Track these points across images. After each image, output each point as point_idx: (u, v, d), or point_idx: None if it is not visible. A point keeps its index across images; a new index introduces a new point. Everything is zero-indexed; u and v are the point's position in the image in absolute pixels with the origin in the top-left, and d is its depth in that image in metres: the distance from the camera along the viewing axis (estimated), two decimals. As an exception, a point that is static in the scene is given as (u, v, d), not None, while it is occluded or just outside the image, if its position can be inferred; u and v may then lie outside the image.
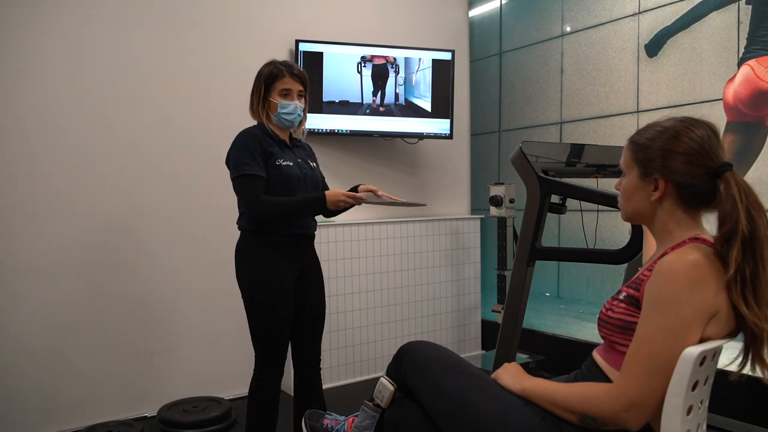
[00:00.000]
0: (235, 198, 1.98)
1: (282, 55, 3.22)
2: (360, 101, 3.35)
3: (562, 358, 3.31)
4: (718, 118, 2.62)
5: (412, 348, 1.44)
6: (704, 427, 1.25)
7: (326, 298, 2.18)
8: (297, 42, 3.18)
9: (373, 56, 3.36)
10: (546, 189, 2.18)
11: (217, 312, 3.00)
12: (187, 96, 2.93)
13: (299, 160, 2.05)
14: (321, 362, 2.19)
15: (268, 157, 1.95)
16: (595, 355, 1.30)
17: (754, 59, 2.55)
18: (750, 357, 1.16)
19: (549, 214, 2.27)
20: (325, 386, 2.21)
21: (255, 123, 2.07)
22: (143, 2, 2.81)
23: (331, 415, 1.65)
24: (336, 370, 3.24)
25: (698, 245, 1.16)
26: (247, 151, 1.92)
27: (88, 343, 2.69)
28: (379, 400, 1.43)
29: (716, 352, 1.19)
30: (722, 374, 1.25)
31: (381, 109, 3.41)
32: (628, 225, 2.05)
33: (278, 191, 1.96)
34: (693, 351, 1.08)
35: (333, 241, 3.22)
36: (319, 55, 3.23)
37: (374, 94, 3.39)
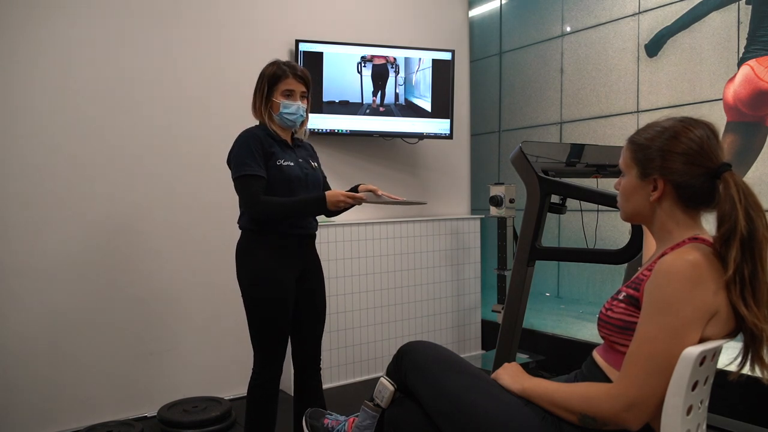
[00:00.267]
0: (236, 197, 1.98)
1: (282, 55, 3.22)
2: (360, 101, 3.35)
3: (562, 358, 3.31)
4: (718, 118, 2.62)
5: (412, 348, 1.44)
6: (704, 427, 1.25)
7: (327, 298, 2.18)
8: (297, 42, 3.18)
9: (373, 56, 3.36)
10: (546, 189, 2.18)
11: (217, 312, 3.00)
12: (187, 96, 2.93)
13: (300, 160, 2.06)
14: (321, 362, 2.19)
15: (269, 157, 1.95)
16: (595, 355, 1.30)
17: (754, 59, 2.55)
18: (749, 357, 1.16)
19: (549, 214, 2.27)
20: (325, 386, 2.21)
21: (256, 123, 2.07)
22: (143, 2, 2.81)
23: (332, 414, 1.65)
24: (336, 370, 3.24)
25: (697, 245, 1.16)
26: (248, 152, 1.92)
27: (89, 343, 2.69)
28: (379, 400, 1.43)
29: (716, 352, 1.19)
30: (722, 374, 1.25)
31: (381, 109, 3.41)
32: (628, 225, 2.05)
33: (279, 191, 1.96)
34: (693, 351, 1.08)
35: (333, 241, 3.22)
36: (319, 55, 3.23)
37: (374, 94, 3.39)
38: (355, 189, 2.14)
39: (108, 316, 2.74)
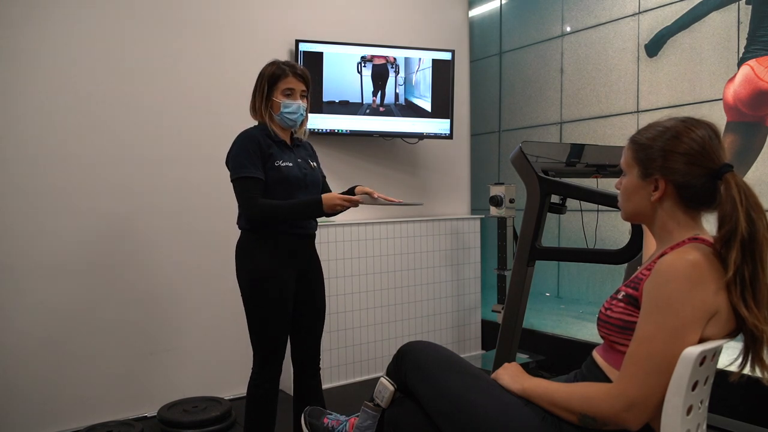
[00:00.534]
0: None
1: (282, 55, 3.22)
2: (360, 101, 3.35)
3: (562, 358, 3.31)
4: (718, 118, 2.62)
5: (412, 348, 1.44)
6: (704, 427, 1.25)
7: (327, 298, 2.18)
8: (297, 42, 3.18)
9: (373, 56, 3.36)
10: (546, 189, 2.18)
11: (217, 312, 3.00)
12: (187, 96, 2.93)
13: (299, 160, 2.06)
14: (321, 362, 2.19)
15: (267, 158, 1.95)
16: (595, 354, 1.30)
17: (754, 59, 2.55)
18: (750, 358, 1.16)
19: (549, 214, 2.27)
20: (325, 386, 2.21)
21: (255, 123, 2.07)
22: (143, 3, 2.81)
23: (332, 414, 1.65)
24: (336, 370, 3.24)
25: (698, 245, 1.16)
26: (246, 153, 1.93)
27: (89, 342, 2.69)
28: (379, 400, 1.43)
29: (716, 352, 1.19)
30: (722, 374, 1.25)
31: (381, 109, 3.41)
32: (628, 225, 2.05)
33: (278, 192, 1.96)
34: (693, 351, 1.08)
35: (333, 241, 3.22)
36: (319, 55, 3.23)
37: (374, 94, 3.39)
38: (351, 190, 2.14)
39: (108, 315, 2.74)
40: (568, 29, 3.35)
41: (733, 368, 1.18)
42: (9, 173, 2.53)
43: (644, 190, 1.24)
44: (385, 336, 3.43)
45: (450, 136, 3.59)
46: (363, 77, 3.35)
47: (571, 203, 2.34)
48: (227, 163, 2.00)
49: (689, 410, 1.13)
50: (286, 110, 2.00)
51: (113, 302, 2.75)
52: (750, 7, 2.56)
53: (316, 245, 2.17)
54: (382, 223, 3.42)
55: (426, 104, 3.51)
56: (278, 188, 1.96)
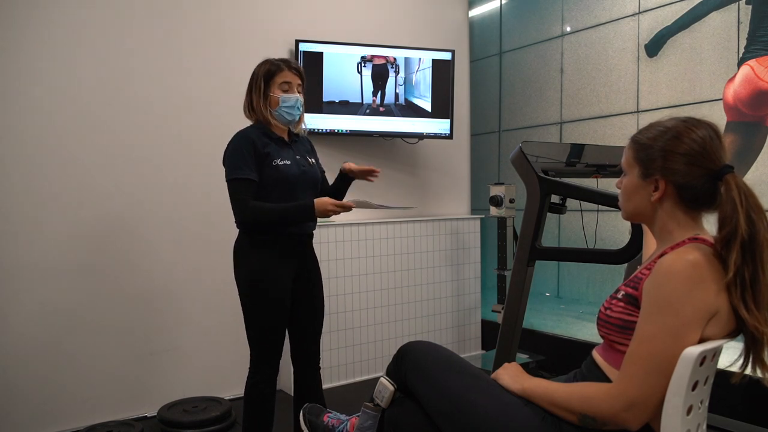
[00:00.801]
0: (236, 198, 1.98)
1: (282, 55, 3.20)
2: (360, 101, 3.35)
3: (562, 358, 3.31)
4: (718, 118, 2.62)
5: (412, 348, 1.44)
6: (704, 427, 1.25)
7: (327, 298, 2.18)
8: (297, 42, 3.18)
9: (373, 56, 3.36)
10: (546, 189, 2.18)
11: (217, 312, 3.00)
12: (187, 96, 2.93)
13: (298, 157, 2.05)
14: (321, 361, 2.19)
15: (264, 158, 1.95)
16: (595, 354, 1.30)
17: (754, 59, 2.55)
18: (750, 359, 1.16)
19: (549, 214, 2.27)
20: (325, 386, 2.21)
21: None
22: (143, 3, 2.81)
23: (333, 412, 1.64)
24: (336, 370, 3.24)
25: (698, 245, 1.16)
26: (240, 155, 1.93)
27: (89, 343, 2.69)
28: (379, 400, 1.43)
29: (716, 352, 1.19)
30: (722, 374, 1.25)
31: (381, 109, 3.41)
32: (628, 225, 2.05)
33: (277, 190, 1.96)
34: (693, 351, 1.08)
35: (333, 241, 3.22)
36: (319, 55, 3.23)
37: (374, 94, 3.39)
38: (341, 173, 2.17)
39: (108, 316, 2.74)
40: (568, 29, 3.35)
41: (734, 369, 1.18)
42: (8, 174, 2.53)
43: (644, 190, 1.24)
44: (385, 336, 3.43)
45: (450, 136, 3.59)
46: (363, 77, 3.35)
47: (571, 203, 2.34)
48: (223, 163, 2.00)
49: (689, 410, 1.13)
50: (285, 105, 2.00)
51: (113, 302, 2.75)
52: (750, 7, 2.56)
53: (317, 245, 2.17)
54: (382, 223, 3.42)
55: (426, 104, 3.51)
56: (277, 187, 1.96)
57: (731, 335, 1.17)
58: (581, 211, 2.82)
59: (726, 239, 1.12)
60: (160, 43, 2.86)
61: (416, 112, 3.49)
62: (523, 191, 2.30)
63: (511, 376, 1.35)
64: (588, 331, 3.24)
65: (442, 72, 3.52)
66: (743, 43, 2.58)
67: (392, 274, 3.46)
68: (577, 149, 2.43)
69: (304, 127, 2.14)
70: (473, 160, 4.03)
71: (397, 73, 3.43)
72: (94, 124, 2.71)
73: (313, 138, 3.31)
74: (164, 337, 2.89)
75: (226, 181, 1.95)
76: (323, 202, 1.92)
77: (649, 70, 2.96)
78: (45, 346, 2.59)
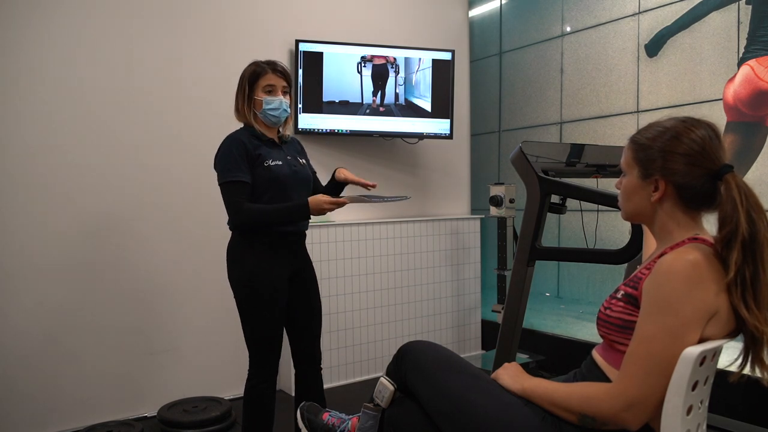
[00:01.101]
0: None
1: (282, 55, 3.22)
2: (360, 101, 3.35)
3: (562, 358, 3.31)
4: (718, 118, 2.62)
5: (412, 348, 1.44)
6: (704, 427, 1.25)
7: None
8: (297, 42, 3.18)
9: (373, 56, 3.36)
10: (546, 189, 2.18)
11: (217, 312, 3.00)
12: (187, 96, 2.93)
13: (289, 157, 2.06)
14: (322, 361, 2.19)
15: (256, 159, 1.96)
16: (595, 354, 1.30)
17: (754, 59, 2.55)
18: (750, 359, 1.16)
19: (549, 214, 2.27)
20: (325, 386, 2.21)
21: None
22: (143, 2, 2.81)
23: (333, 411, 1.64)
24: (336, 370, 3.24)
25: (698, 245, 1.16)
26: (231, 157, 1.93)
27: (89, 343, 2.69)
28: (379, 400, 1.43)
29: (716, 352, 1.19)
30: (722, 374, 1.25)
31: (381, 109, 3.41)
32: (628, 225, 2.05)
33: (270, 191, 1.97)
34: (693, 351, 1.08)
35: (333, 241, 3.22)
36: (319, 55, 3.23)
37: (374, 94, 3.39)
38: (333, 176, 2.16)
39: (108, 316, 2.74)
40: (568, 29, 3.35)
41: (733, 368, 1.18)
42: (8, 173, 2.53)
43: (644, 190, 1.24)
44: (385, 336, 3.43)
45: (450, 136, 3.59)
46: (363, 77, 3.35)
47: (571, 203, 2.34)
48: (215, 166, 2.01)
49: (689, 410, 1.13)
50: (269, 107, 2.01)
51: (113, 302, 2.75)
52: (750, 7, 2.56)
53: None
54: (382, 223, 3.42)
55: (426, 104, 3.51)
56: (270, 188, 1.97)
57: (731, 335, 1.17)
58: (581, 211, 2.82)
59: (726, 239, 1.12)
60: (160, 43, 2.86)
61: (416, 112, 3.49)
62: (523, 191, 2.30)
63: (511, 376, 1.35)
64: (588, 331, 3.24)
65: (442, 72, 3.52)
66: (743, 43, 2.58)
67: (392, 274, 3.46)
68: (577, 149, 2.43)
69: (288, 133, 2.14)
70: (473, 160, 4.03)
71: (397, 73, 3.43)
72: (94, 123, 2.71)
73: (312, 138, 3.33)
74: (164, 337, 2.89)
75: (219, 184, 1.96)
76: (318, 200, 1.93)
77: (649, 70, 2.96)
78: (45, 345, 2.59)
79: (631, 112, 3.05)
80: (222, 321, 3.00)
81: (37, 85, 2.58)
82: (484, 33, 3.90)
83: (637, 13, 3.00)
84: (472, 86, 4.01)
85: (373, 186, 2.04)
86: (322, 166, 3.36)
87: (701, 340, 1.12)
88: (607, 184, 2.34)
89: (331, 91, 3.28)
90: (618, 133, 3.09)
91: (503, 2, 3.76)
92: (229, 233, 2.07)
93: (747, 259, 1.11)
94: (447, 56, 3.53)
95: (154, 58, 2.84)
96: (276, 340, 2.01)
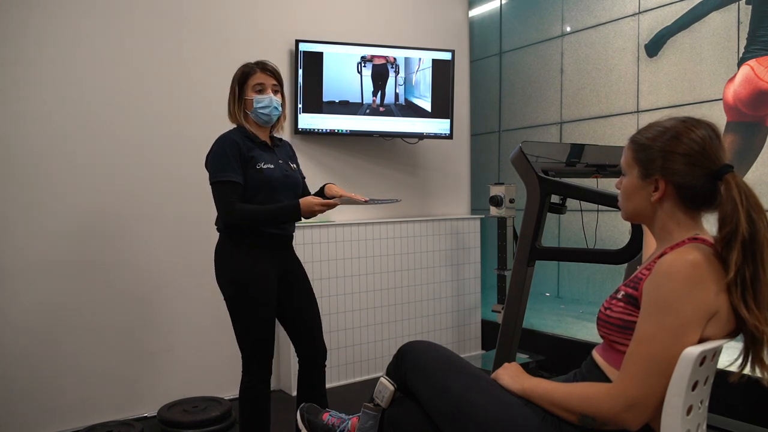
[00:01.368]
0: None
1: (282, 55, 3.22)
2: (360, 101, 3.35)
3: (562, 358, 3.31)
4: (718, 118, 2.62)
5: (412, 348, 1.44)
6: (704, 427, 1.25)
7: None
8: (297, 42, 3.18)
9: (373, 56, 3.36)
10: (546, 189, 2.18)
11: (217, 312, 2.99)
12: (186, 96, 2.93)
13: (281, 161, 2.07)
14: (326, 359, 2.19)
15: (248, 161, 1.97)
16: (595, 354, 1.30)
17: (754, 59, 2.55)
18: (750, 359, 1.16)
19: (549, 214, 2.27)
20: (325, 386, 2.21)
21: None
22: (143, 2, 2.81)
23: (333, 411, 1.64)
24: (336, 370, 3.24)
25: (698, 245, 1.16)
26: (224, 157, 1.94)
27: (88, 343, 2.69)
28: (379, 400, 1.43)
29: (716, 352, 1.19)
30: (722, 374, 1.25)
31: (381, 109, 3.41)
32: (628, 225, 2.05)
33: (261, 194, 1.98)
34: (693, 351, 1.08)
35: (333, 241, 3.22)
36: (319, 55, 3.23)
37: (374, 94, 3.39)
38: (321, 189, 2.17)
39: (108, 316, 2.74)
40: (568, 29, 3.35)
41: (733, 368, 1.18)
42: (7, 174, 2.53)
43: (644, 190, 1.24)
44: (385, 336, 3.43)
45: (450, 136, 3.59)
46: (363, 77, 3.35)
47: (571, 203, 2.34)
48: (206, 165, 2.01)
49: (689, 410, 1.13)
50: (259, 105, 2.02)
51: (114, 302, 2.75)
52: (750, 7, 2.56)
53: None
54: (382, 223, 3.42)
55: (426, 104, 3.51)
56: (261, 190, 1.98)
57: (731, 335, 1.17)
58: (581, 211, 2.82)
59: (726, 238, 1.12)
60: (160, 44, 2.86)
61: (416, 112, 3.49)
62: (523, 191, 2.30)
63: (511, 376, 1.35)
64: (588, 331, 3.24)
65: (442, 72, 3.52)
66: (743, 43, 2.58)
67: (392, 274, 3.46)
68: (577, 149, 2.43)
69: (280, 135, 2.16)
70: (473, 160, 4.03)
71: (397, 73, 3.43)
72: (94, 124, 2.71)
73: (312, 138, 3.33)
74: (164, 337, 2.89)
75: (210, 183, 1.96)
76: (309, 201, 1.93)
77: (649, 70, 2.96)
78: (45, 346, 2.59)
79: (631, 112, 3.05)
80: (222, 321, 2.98)
81: (37, 85, 2.58)
82: (484, 33, 3.90)
83: (637, 13, 3.00)
84: (472, 86, 4.01)
85: (365, 202, 2.04)
86: (322, 166, 3.37)
87: (701, 340, 1.12)
88: (607, 184, 2.34)
89: (331, 91, 3.28)
90: (618, 133, 3.09)
91: (503, 2, 3.76)
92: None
93: (747, 259, 1.11)
94: (447, 56, 3.53)
95: (154, 58, 2.84)
96: (267, 340, 2.01)
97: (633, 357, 1.13)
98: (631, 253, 2.03)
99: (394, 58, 3.42)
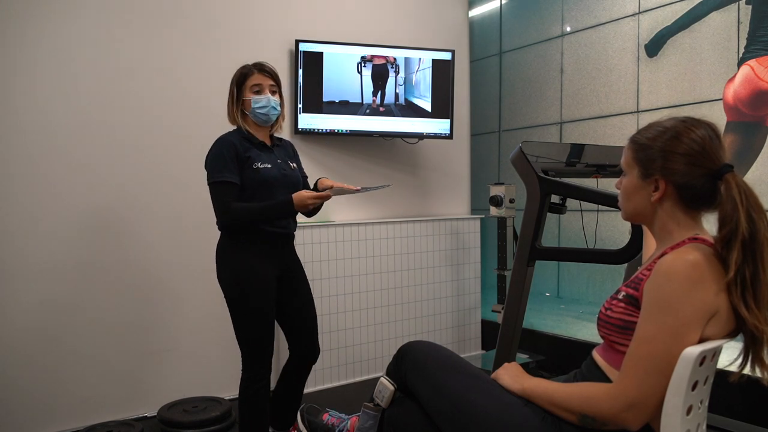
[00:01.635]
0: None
1: (282, 55, 3.22)
2: (360, 101, 3.35)
3: (562, 358, 3.31)
4: (718, 118, 2.62)
5: (412, 348, 1.44)
6: (704, 427, 1.25)
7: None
8: (297, 42, 3.18)
9: (373, 56, 3.36)
10: (546, 189, 2.18)
11: (217, 311, 2.99)
12: (186, 95, 2.93)
13: (279, 161, 2.09)
14: (319, 361, 2.22)
15: (245, 161, 1.99)
16: (595, 354, 1.30)
17: (754, 59, 2.55)
18: (750, 358, 1.16)
19: (549, 214, 2.27)
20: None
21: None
22: (142, 3, 2.81)
23: (332, 411, 1.65)
24: (336, 370, 3.24)
25: (698, 245, 1.16)
26: (221, 159, 1.97)
27: (88, 343, 2.69)
28: (379, 400, 1.43)
29: (716, 352, 1.19)
30: (722, 374, 1.25)
31: (381, 109, 3.40)
32: (628, 225, 2.05)
33: (258, 193, 2.00)
34: (693, 351, 1.08)
35: (333, 241, 3.22)
36: (319, 55, 3.23)
37: (374, 94, 3.39)
38: (315, 184, 2.19)
39: (108, 315, 2.74)
40: (568, 29, 3.35)
41: (733, 368, 1.18)
42: (8, 173, 2.53)
43: (644, 190, 1.24)
44: (385, 336, 3.43)
45: (450, 136, 3.59)
46: (363, 77, 3.35)
47: (571, 203, 2.34)
48: (205, 167, 2.04)
49: (689, 410, 1.13)
50: (256, 105, 2.04)
51: (113, 302, 2.75)
52: (750, 7, 2.56)
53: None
54: (382, 223, 3.42)
55: (426, 104, 3.51)
56: (258, 190, 2.00)
57: (731, 335, 1.17)
58: (581, 211, 2.82)
59: (726, 238, 1.12)
60: (159, 43, 2.86)
61: (416, 112, 3.49)
62: (523, 191, 2.30)
63: (511, 376, 1.35)
64: (588, 331, 3.24)
65: (442, 72, 3.52)
66: (743, 43, 2.58)
67: (392, 274, 3.46)
68: (577, 149, 2.43)
69: (279, 134, 2.18)
70: (473, 160, 4.03)
71: (397, 73, 3.43)
72: (92, 123, 2.70)
73: (312, 138, 3.33)
74: (164, 336, 2.89)
75: (208, 184, 2.00)
76: (301, 196, 1.96)
77: (649, 70, 2.96)
78: (45, 345, 2.59)
79: (631, 112, 3.05)
80: (222, 321, 2.98)
81: (37, 85, 2.58)
82: (484, 33, 3.90)
83: (637, 13, 3.00)
84: (472, 86, 4.01)
85: (357, 190, 2.06)
86: (322, 166, 3.37)
87: (701, 340, 1.12)
88: (607, 184, 2.34)
89: (331, 91, 3.28)
90: (618, 133, 3.09)
91: (503, 2, 3.76)
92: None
93: (747, 259, 1.11)
94: (447, 56, 3.53)
95: (154, 57, 2.84)
96: (267, 338, 2.04)
97: (633, 357, 1.14)
98: (631, 253, 2.03)
99: (394, 58, 3.42)
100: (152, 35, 2.84)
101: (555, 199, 2.28)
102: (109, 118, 2.74)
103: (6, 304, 2.52)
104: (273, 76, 2.09)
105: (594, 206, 2.72)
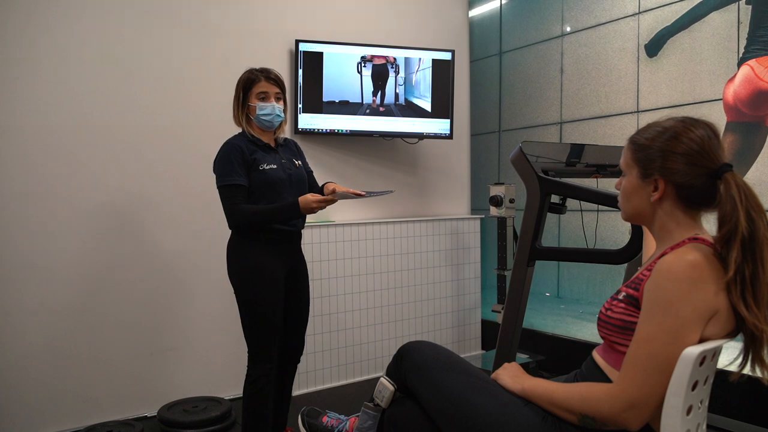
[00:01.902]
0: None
1: (282, 55, 3.22)
2: (360, 101, 3.35)
3: (562, 358, 3.31)
4: (718, 118, 2.62)
5: (412, 348, 1.44)
6: (704, 427, 1.25)
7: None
8: (297, 42, 3.18)
9: (373, 56, 3.36)
10: (546, 189, 2.18)
11: (217, 312, 3.00)
12: (187, 95, 2.93)
13: (284, 161, 2.15)
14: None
15: (252, 163, 2.05)
16: (595, 355, 1.30)
17: (754, 59, 2.55)
18: (750, 358, 1.16)
19: (549, 214, 2.27)
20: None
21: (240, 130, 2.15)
22: (142, 3, 2.81)
23: (331, 413, 1.65)
24: (336, 370, 3.24)
25: (697, 245, 1.16)
26: (228, 162, 2.02)
27: (89, 343, 2.69)
28: (379, 400, 1.43)
29: (716, 352, 1.19)
30: (722, 374, 1.25)
31: (381, 109, 3.40)
32: (628, 225, 2.05)
33: (265, 194, 2.05)
34: (693, 351, 1.08)
35: (333, 241, 3.22)
36: (319, 55, 3.23)
37: (374, 94, 3.39)
38: (321, 188, 2.24)
39: (109, 316, 2.74)
40: (568, 29, 3.35)
41: (733, 368, 1.18)
42: (8, 173, 2.53)
43: (644, 190, 1.24)
44: (385, 336, 3.43)
45: (450, 136, 3.59)
46: (363, 77, 3.35)
47: (571, 203, 2.34)
48: (213, 170, 2.09)
49: (689, 410, 1.13)
50: (261, 112, 2.09)
51: (113, 302, 2.75)
52: (750, 7, 2.56)
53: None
54: (382, 223, 3.42)
55: (426, 104, 3.51)
56: (265, 190, 2.05)
57: (731, 335, 1.17)
58: (581, 211, 2.82)
59: (726, 238, 1.13)
60: (160, 44, 2.86)
61: (416, 112, 3.49)
62: (523, 191, 2.30)
63: (511, 376, 1.35)
64: (588, 331, 3.24)
65: (442, 72, 3.52)
66: (743, 43, 2.58)
67: (392, 274, 3.46)
68: (577, 149, 2.43)
69: (283, 136, 2.22)
70: (473, 160, 4.03)
71: (397, 73, 3.43)
72: (93, 124, 2.71)
73: (312, 138, 3.33)
74: (164, 337, 2.89)
75: (218, 187, 2.05)
76: (307, 199, 2.00)
77: (649, 70, 2.96)
78: (45, 346, 2.59)
79: (631, 112, 3.05)
80: (222, 321, 3.00)
81: (38, 86, 2.58)
82: (484, 33, 3.90)
83: (637, 13, 3.00)
84: (472, 86, 4.01)
85: (362, 195, 2.10)
86: (322, 165, 3.37)
87: (701, 340, 1.12)
88: (607, 184, 2.34)
89: (331, 91, 3.28)
90: (618, 133, 3.09)
91: (503, 2, 3.76)
92: (230, 233, 2.11)
93: (746, 258, 1.11)
94: (447, 56, 3.53)
95: (154, 58, 2.84)
96: (275, 335, 2.08)
97: (633, 357, 1.14)
98: (631, 253, 2.03)
99: (394, 58, 3.42)
100: (152, 35, 2.84)
101: (555, 199, 2.28)
102: (111, 118, 2.74)
103: (6, 304, 2.52)
104: (279, 83, 2.14)
105: (594, 206, 2.72)
